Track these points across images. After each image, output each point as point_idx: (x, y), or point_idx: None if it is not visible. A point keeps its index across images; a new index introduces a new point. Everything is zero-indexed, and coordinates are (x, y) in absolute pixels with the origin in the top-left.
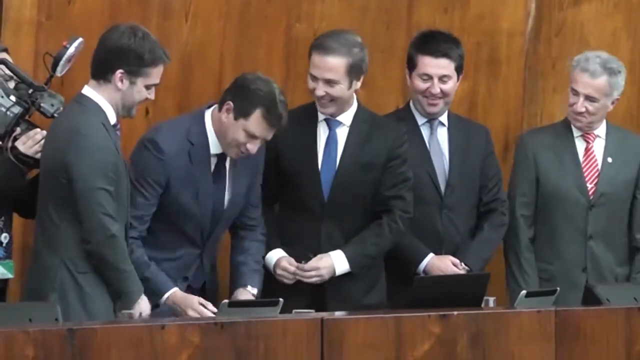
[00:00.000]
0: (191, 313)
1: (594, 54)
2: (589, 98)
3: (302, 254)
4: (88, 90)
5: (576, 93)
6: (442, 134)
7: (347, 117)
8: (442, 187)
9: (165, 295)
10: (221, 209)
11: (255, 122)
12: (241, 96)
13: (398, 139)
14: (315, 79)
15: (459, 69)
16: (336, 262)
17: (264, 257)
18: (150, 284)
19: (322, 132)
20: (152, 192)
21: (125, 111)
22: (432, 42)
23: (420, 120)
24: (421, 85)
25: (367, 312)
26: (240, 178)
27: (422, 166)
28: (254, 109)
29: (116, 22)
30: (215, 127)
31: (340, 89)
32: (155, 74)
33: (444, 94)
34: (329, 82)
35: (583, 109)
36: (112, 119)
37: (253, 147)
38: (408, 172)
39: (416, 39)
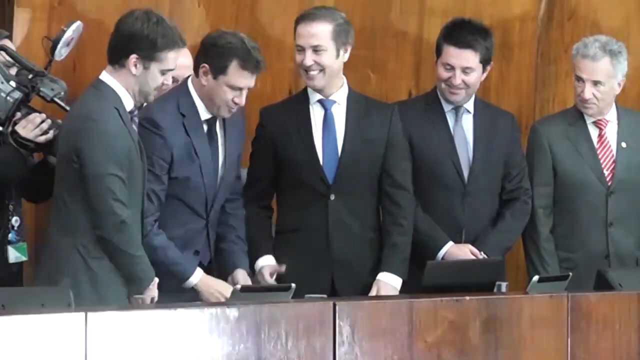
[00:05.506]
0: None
1: (592, 39)
2: (594, 83)
3: (312, 239)
4: (105, 76)
5: (581, 80)
6: (467, 121)
7: (340, 96)
8: (465, 175)
9: (195, 280)
10: (220, 174)
11: (235, 74)
12: (213, 55)
13: (394, 115)
14: (301, 49)
15: (484, 61)
16: (391, 283)
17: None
18: (178, 267)
19: (317, 113)
20: (159, 168)
21: (142, 97)
22: (458, 32)
23: (447, 106)
24: (444, 74)
25: (380, 297)
26: (232, 140)
27: (445, 153)
28: (230, 62)
29: (128, 7)
30: (199, 93)
31: (328, 57)
32: (170, 60)
33: (466, 85)
34: (316, 49)
35: (590, 95)
36: (129, 104)
37: (241, 99)
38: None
39: (445, 27)
